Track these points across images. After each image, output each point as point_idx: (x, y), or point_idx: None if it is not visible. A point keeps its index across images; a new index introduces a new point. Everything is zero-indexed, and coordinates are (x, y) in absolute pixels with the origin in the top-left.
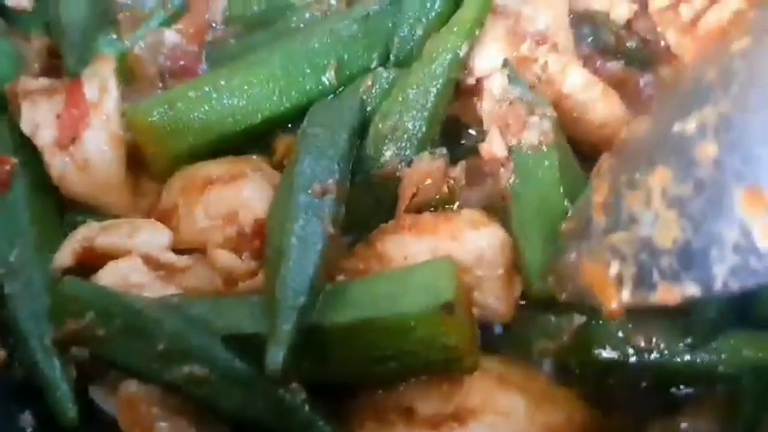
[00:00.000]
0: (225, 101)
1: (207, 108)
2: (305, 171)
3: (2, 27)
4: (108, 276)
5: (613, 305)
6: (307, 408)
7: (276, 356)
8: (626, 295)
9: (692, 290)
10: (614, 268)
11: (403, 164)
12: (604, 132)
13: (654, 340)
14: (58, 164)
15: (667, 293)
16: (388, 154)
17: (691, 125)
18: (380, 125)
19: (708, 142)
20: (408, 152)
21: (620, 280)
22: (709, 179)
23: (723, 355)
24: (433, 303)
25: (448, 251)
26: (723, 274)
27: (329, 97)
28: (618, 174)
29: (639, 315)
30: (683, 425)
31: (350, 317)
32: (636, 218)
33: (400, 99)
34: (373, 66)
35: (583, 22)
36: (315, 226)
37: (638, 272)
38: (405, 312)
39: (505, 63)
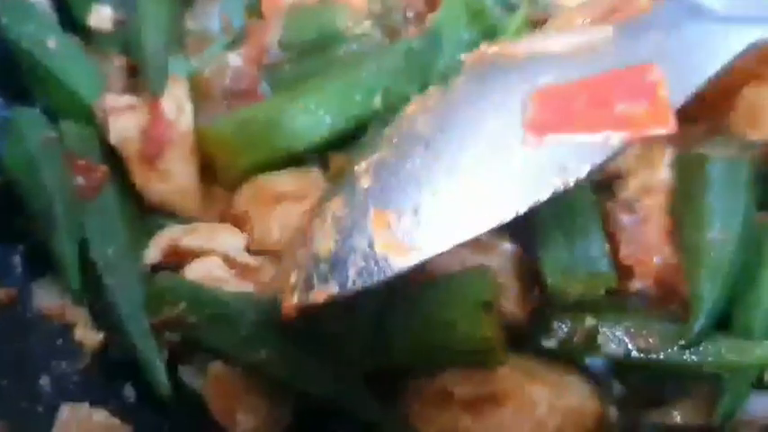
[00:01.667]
0: (288, 122)
1: (274, 128)
2: None
3: (83, 46)
4: (194, 272)
5: (286, 305)
6: (364, 388)
7: None
8: (296, 297)
9: (333, 289)
10: (293, 277)
11: None
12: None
13: (652, 341)
14: (142, 173)
15: (319, 294)
16: None
17: (362, 165)
18: None
19: (366, 177)
20: None
21: (294, 287)
22: (359, 203)
23: (709, 358)
24: (476, 302)
25: (477, 261)
26: (353, 276)
27: (377, 121)
28: (317, 204)
29: (640, 319)
30: (674, 413)
31: (408, 314)
32: (313, 236)
33: None
34: (414, 95)
35: None
36: None
37: (305, 278)
38: (453, 310)
39: None
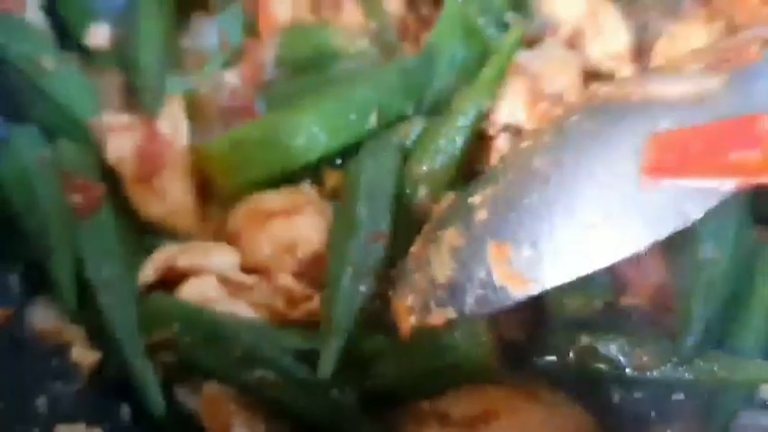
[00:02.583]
0: (284, 141)
1: (269, 146)
2: (363, 218)
3: (80, 65)
4: (188, 292)
5: (405, 327)
6: (358, 409)
7: (327, 365)
8: (413, 320)
9: (451, 314)
10: (409, 300)
11: (432, 201)
12: None
13: (645, 358)
14: (138, 192)
15: (437, 317)
16: (421, 193)
17: (477, 198)
18: (415, 169)
19: (483, 210)
20: (438, 191)
21: (412, 309)
22: (476, 235)
23: (702, 375)
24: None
25: None
26: (471, 303)
27: (372, 139)
28: (430, 232)
29: (634, 337)
30: (668, 430)
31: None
32: (429, 262)
33: (432, 147)
34: (409, 112)
35: (592, 79)
36: (367, 267)
37: (422, 301)
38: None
39: (506, 128)
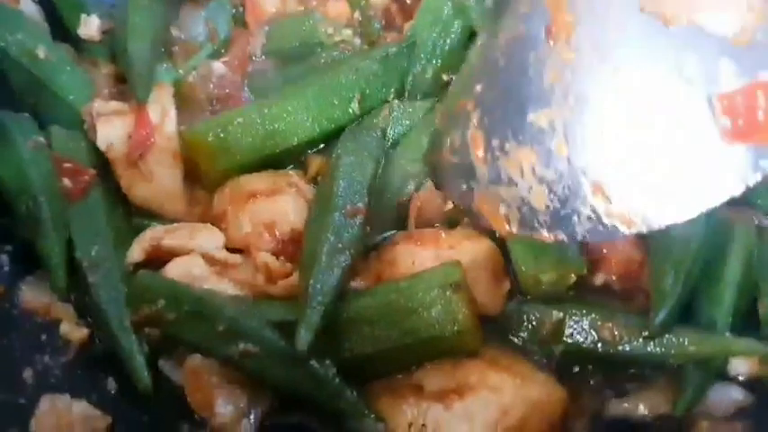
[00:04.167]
0: (267, 126)
1: (252, 132)
2: (340, 194)
3: (73, 55)
4: (174, 270)
5: (505, 232)
6: (337, 380)
7: (304, 337)
8: (515, 229)
9: (562, 237)
10: (503, 210)
11: (413, 188)
12: None
13: (617, 333)
14: (127, 176)
15: (545, 236)
16: (404, 179)
17: (542, 120)
18: (399, 159)
19: (560, 141)
20: (418, 179)
21: (507, 218)
22: (565, 170)
23: (672, 350)
24: (444, 284)
25: (448, 257)
26: (582, 232)
27: (354, 124)
28: (490, 135)
29: (605, 312)
30: (638, 403)
31: (378, 301)
32: (514, 181)
33: (415, 141)
34: (390, 98)
35: None
36: (344, 241)
37: (521, 218)
38: (423, 293)
39: None
